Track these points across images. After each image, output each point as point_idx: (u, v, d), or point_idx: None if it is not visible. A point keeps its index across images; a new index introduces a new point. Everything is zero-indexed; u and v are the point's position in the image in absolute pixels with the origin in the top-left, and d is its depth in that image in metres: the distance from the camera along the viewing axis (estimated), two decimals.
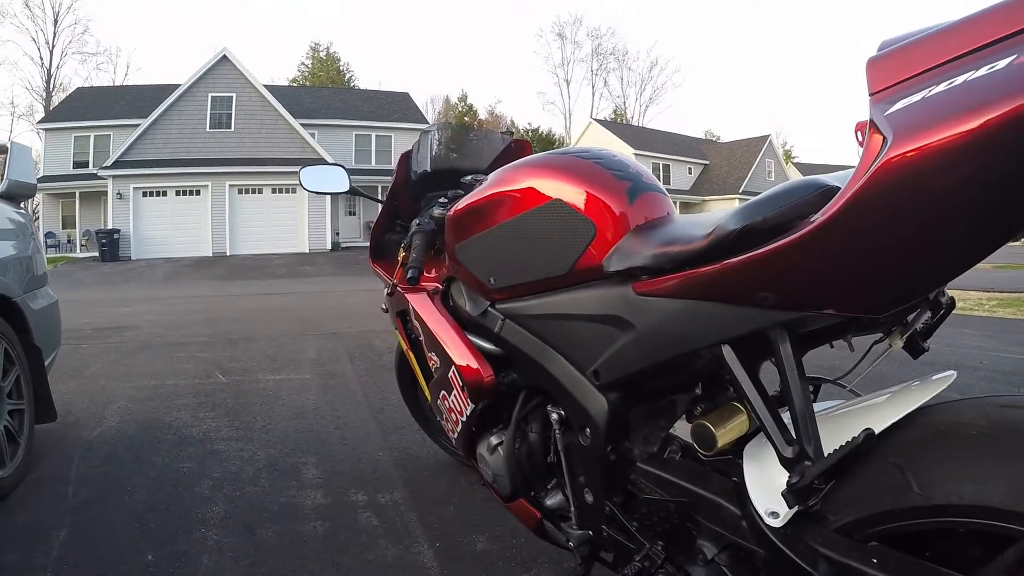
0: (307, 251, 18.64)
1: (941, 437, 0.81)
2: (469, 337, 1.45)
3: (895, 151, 0.65)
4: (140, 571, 1.61)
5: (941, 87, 0.65)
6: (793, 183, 0.89)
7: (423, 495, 2.09)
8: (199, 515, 1.91)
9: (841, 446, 0.80)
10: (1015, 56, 0.61)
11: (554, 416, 1.30)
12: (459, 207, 1.46)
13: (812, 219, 0.78)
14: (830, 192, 0.80)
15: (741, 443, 1.04)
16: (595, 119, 39.18)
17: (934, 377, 0.93)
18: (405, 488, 2.14)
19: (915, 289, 0.77)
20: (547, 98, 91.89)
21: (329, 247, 19.13)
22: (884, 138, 0.67)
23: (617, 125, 38.89)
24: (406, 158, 1.98)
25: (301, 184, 2.09)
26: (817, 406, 1.04)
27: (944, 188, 0.65)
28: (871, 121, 0.70)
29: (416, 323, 1.61)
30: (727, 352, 0.95)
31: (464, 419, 1.48)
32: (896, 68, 0.71)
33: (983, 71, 0.63)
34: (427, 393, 1.72)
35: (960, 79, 0.64)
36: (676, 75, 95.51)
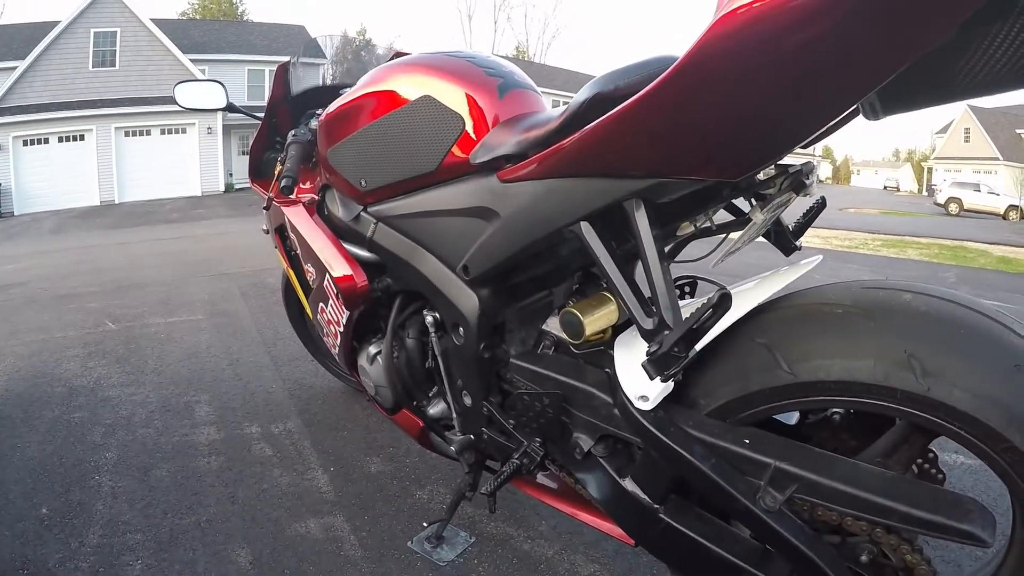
0: (200, 194, 16.90)
1: (808, 316, 0.79)
2: (344, 245, 1.37)
3: (723, 9, 0.61)
4: (36, 526, 1.51)
5: None
6: (649, 57, 0.85)
7: (317, 423, 2.06)
8: (92, 463, 1.80)
9: (698, 308, 0.73)
10: None
11: (429, 319, 1.25)
12: (330, 111, 1.36)
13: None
14: None
15: (615, 335, 1.01)
16: (496, 55, 37.48)
17: (801, 262, 0.91)
18: (299, 417, 2.10)
19: (759, 152, 0.70)
20: (448, 33, 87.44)
21: (223, 188, 17.52)
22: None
23: (519, 62, 37.58)
24: (284, 70, 1.82)
25: (175, 100, 1.87)
26: (690, 300, 1.03)
27: (771, 47, 0.59)
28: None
29: (293, 236, 1.51)
30: (585, 229, 0.89)
31: (342, 329, 1.42)
32: None
33: None
34: (308, 310, 1.64)
35: None
36: (579, 12, 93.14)
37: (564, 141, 0.87)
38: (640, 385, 0.86)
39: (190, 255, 6.25)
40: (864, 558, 0.79)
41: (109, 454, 1.86)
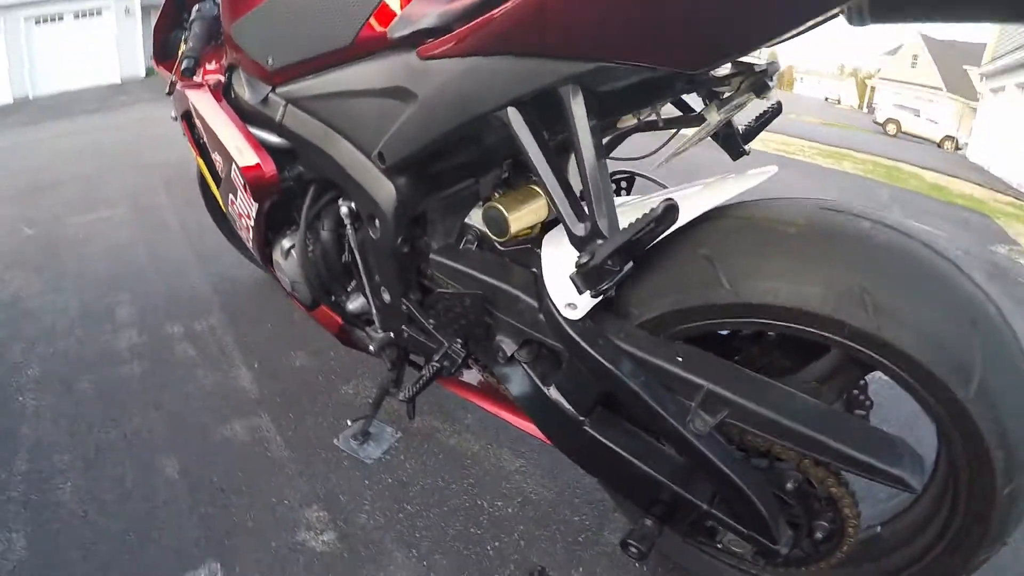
0: (120, 81, 14.29)
1: (757, 232, 0.66)
2: (251, 131, 1.14)
3: None
4: None
5: None
6: None
7: (240, 318, 1.88)
8: (14, 383, 1.61)
9: (638, 219, 0.61)
10: None
11: (344, 210, 1.08)
12: None
13: None
14: None
15: (544, 231, 0.88)
16: None
17: (752, 172, 0.75)
18: (222, 312, 1.92)
19: (725, 43, 0.56)
20: None
21: (144, 73, 14.90)
22: None
23: None
24: None
25: None
26: (627, 199, 0.87)
27: None
28: None
29: (198, 122, 1.26)
30: (513, 115, 0.72)
31: (252, 223, 1.23)
32: None
33: None
34: (220, 201, 1.41)
35: None
36: None
37: (494, 12, 0.66)
38: (568, 292, 0.73)
39: (111, 147, 5.49)
40: (790, 485, 0.73)
41: (31, 371, 1.66)
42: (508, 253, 0.92)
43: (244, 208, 1.22)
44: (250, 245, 1.34)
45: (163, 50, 1.59)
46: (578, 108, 0.66)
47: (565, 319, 0.75)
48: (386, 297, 1.09)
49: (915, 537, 0.72)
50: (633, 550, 0.80)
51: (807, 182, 5.41)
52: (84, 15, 14.35)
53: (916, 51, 31.53)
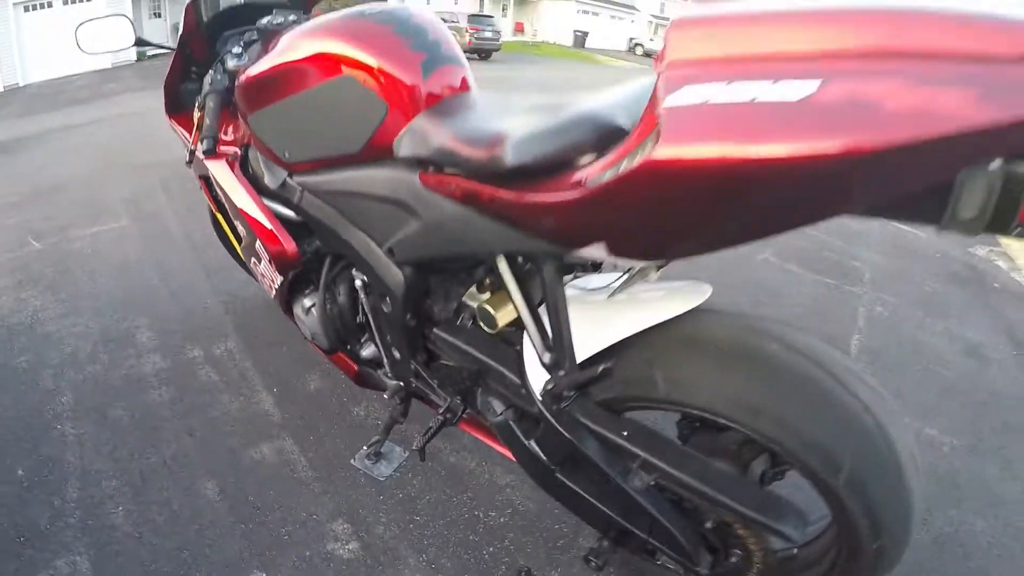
0: (110, 66, 13.55)
1: (689, 345, 0.81)
2: (271, 205, 1.26)
3: (661, 152, 0.54)
4: (17, 490, 1.47)
5: (727, 94, 0.50)
6: (574, 115, 0.74)
7: (255, 340, 2.01)
8: (50, 411, 1.72)
9: (590, 362, 0.85)
10: (820, 82, 0.47)
11: (358, 283, 1.21)
12: (249, 75, 1.17)
13: (582, 173, 0.69)
14: (609, 133, 0.71)
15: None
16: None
17: (692, 290, 0.86)
18: (237, 335, 2.04)
19: (668, 254, 0.71)
20: None
21: (135, 58, 14.12)
22: (658, 126, 0.55)
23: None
24: (193, 6, 1.51)
25: (78, 46, 1.54)
26: (598, 278, 1.01)
27: (695, 197, 0.57)
28: (654, 91, 0.57)
29: (219, 191, 1.37)
30: (501, 263, 0.89)
31: (276, 287, 1.36)
32: (697, 43, 0.54)
33: (777, 91, 0.48)
34: (240, 254, 1.54)
35: (750, 91, 0.49)
36: None
37: (486, 187, 0.79)
38: (542, 380, 0.92)
39: (106, 142, 5.39)
40: (709, 524, 0.92)
41: (64, 398, 1.78)
42: (497, 333, 1.06)
43: (268, 273, 1.34)
44: (271, 296, 1.46)
45: (174, 103, 1.65)
46: (550, 273, 0.83)
47: (539, 400, 0.94)
48: (396, 355, 1.23)
49: (822, 559, 0.91)
50: (592, 562, 1.05)
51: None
52: (73, 1, 13.65)
53: None
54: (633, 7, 31.91)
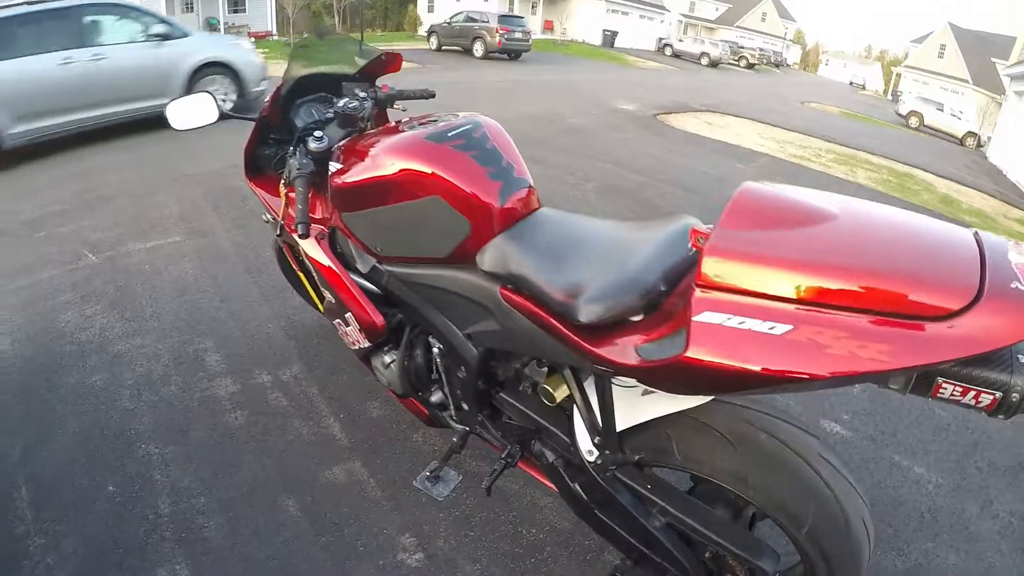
0: None
1: (697, 428, 1.00)
2: (359, 281, 1.42)
3: (689, 354, 0.77)
4: (110, 506, 1.59)
5: (734, 322, 0.75)
6: (629, 279, 0.97)
7: (318, 366, 2.16)
8: (133, 431, 1.85)
9: (627, 434, 1.07)
10: (790, 327, 0.71)
11: (436, 349, 1.38)
12: (344, 182, 1.33)
13: (633, 338, 0.91)
14: (654, 297, 0.94)
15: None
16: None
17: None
18: (300, 361, 2.18)
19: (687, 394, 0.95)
20: None
21: None
22: (688, 335, 0.78)
23: None
24: (278, 90, 1.67)
25: (169, 123, 1.67)
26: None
27: (709, 381, 0.80)
28: (688, 301, 0.80)
29: (308, 263, 1.51)
30: (567, 373, 1.10)
31: (360, 347, 1.52)
32: (721, 275, 0.77)
33: (766, 327, 0.73)
34: (318, 305, 1.70)
35: (751, 324, 0.74)
36: None
37: (561, 325, 1.00)
38: (588, 443, 1.12)
39: (147, 149, 5.30)
40: (708, 554, 1.15)
41: (144, 419, 1.90)
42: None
43: (353, 335, 1.50)
44: (352, 350, 1.60)
45: (253, 166, 1.78)
46: (603, 384, 1.04)
47: (585, 459, 1.14)
48: (465, 407, 1.40)
49: None
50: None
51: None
52: None
53: (944, 40, 30.69)
54: (663, 7, 31.32)
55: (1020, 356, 0.68)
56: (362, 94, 1.66)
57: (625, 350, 0.89)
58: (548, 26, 26.13)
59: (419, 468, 1.71)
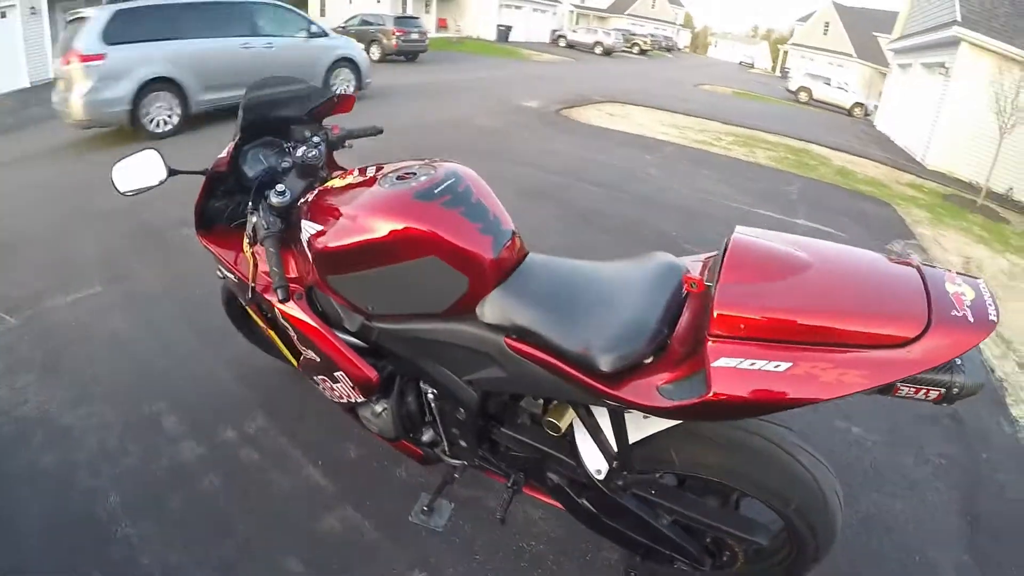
0: (29, 84, 11.75)
1: (696, 437, 1.13)
2: (346, 338, 1.38)
3: (715, 393, 0.89)
4: None
5: (745, 365, 0.88)
6: (637, 326, 1.06)
7: (281, 413, 2.10)
8: (103, 512, 1.74)
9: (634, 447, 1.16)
10: (790, 364, 0.86)
11: (430, 395, 1.40)
12: (327, 246, 1.28)
13: (652, 378, 1.01)
14: (660, 341, 1.04)
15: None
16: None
17: None
18: (262, 410, 2.12)
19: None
20: None
21: (52, 76, 12.12)
22: (709, 378, 0.90)
23: None
24: (235, 146, 1.59)
25: (115, 188, 1.55)
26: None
27: (734, 411, 0.94)
28: (705, 350, 0.92)
29: (284, 321, 1.44)
30: (580, 410, 1.19)
31: (346, 401, 1.51)
32: (732, 325, 0.91)
33: (771, 366, 0.87)
34: (290, 359, 1.63)
35: (759, 365, 0.88)
36: None
37: (576, 373, 1.06)
38: (596, 464, 1.21)
39: (48, 181, 4.84)
40: (708, 539, 1.31)
41: (112, 497, 1.79)
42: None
43: (343, 391, 1.46)
44: (335, 403, 1.57)
45: (203, 221, 1.68)
46: (617, 418, 1.13)
47: (594, 478, 1.23)
48: (462, 443, 1.43)
49: (780, 549, 1.28)
50: (633, 574, 1.46)
51: (726, 188, 5.74)
52: None
53: (828, 18, 31.89)
54: None
55: (956, 360, 0.86)
56: (314, 138, 1.59)
57: (647, 392, 0.99)
58: (442, 24, 25.69)
59: (410, 503, 1.74)
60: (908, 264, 0.96)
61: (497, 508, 1.46)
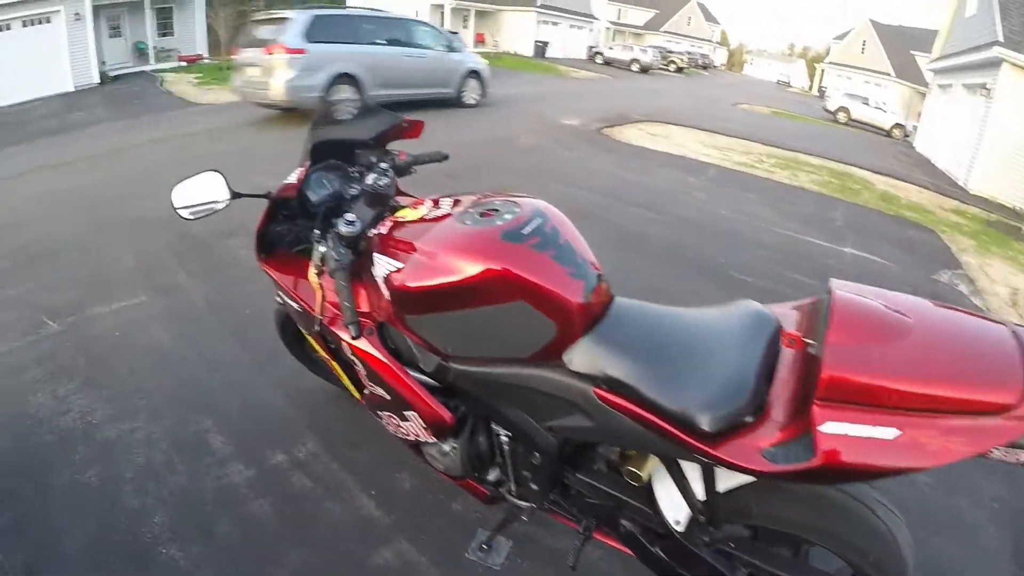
0: (73, 89, 12.18)
1: (779, 490, 1.09)
2: (420, 377, 1.33)
3: (829, 459, 0.86)
4: None
5: (853, 431, 0.86)
6: (734, 385, 1.02)
7: (333, 439, 2.05)
8: (148, 534, 1.68)
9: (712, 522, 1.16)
10: (898, 431, 0.84)
11: (502, 437, 1.35)
12: (409, 286, 1.22)
13: (751, 439, 0.97)
14: (758, 400, 1.01)
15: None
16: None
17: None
18: (313, 433, 2.07)
19: None
20: None
21: (97, 80, 12.81)
22: (816, 443, 0.88)
23: None
24: (305, 173, 1.58)
25: (175, 210, 1.51)
26: None
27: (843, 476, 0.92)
28: (812, 413, 0.90)
29: (352, 355, 1.40)
30: (667, 463, 1.16)
31: (419, 440, 1.45)
32: (840, 390, 0.89)
33: (878, 432, 0.85)
34: (352, 391, 1.60)
35: (867, 431, 0.86)
36: None
37: (674, 430, 1.02)
38: (675, 514, 1.18)
39: (87, 189, 4.81)
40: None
41: (157, 517, 1.73)
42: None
43: (413, 430, 1.41)
44: (401, 439, 1.51)
45: (265, 248, 1.67)
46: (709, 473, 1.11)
47: (673, 528, 1.20)
48: (533, 487, 1.39)
49: None
50: None
51: (770, 212, 5.62)
52: (32, 22, 12.18)
53: (865, 36, 31.61)
54: (592, 16, 31.40)
55: None
56: (382, 164, 1.57)
57: (749, 454, 0.95)
58: (480, 39, 25.94)
59: (467, 538, 1.68)
60: (1001, 324, 0.96)
61: (568, 554, 1.41)
